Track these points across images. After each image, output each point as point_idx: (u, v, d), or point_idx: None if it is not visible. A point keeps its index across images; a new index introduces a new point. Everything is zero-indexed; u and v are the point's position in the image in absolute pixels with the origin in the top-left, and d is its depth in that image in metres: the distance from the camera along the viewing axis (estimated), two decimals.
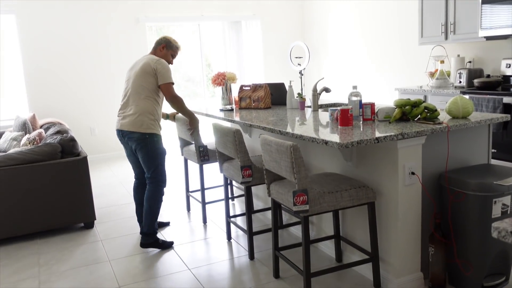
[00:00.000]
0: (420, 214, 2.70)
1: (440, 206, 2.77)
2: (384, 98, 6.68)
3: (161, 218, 4.30)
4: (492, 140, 4.32)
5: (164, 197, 4.99)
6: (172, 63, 3.73)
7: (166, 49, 3.69)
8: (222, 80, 4.37)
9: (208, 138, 4.45)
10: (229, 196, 4.65)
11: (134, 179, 3.83)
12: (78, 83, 7.01)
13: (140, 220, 3.83)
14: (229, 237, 3.73)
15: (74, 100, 7.02)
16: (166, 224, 4.15)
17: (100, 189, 5.49)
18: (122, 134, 3.56)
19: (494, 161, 4.32)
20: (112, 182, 5.77)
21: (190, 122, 3.74)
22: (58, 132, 4.51)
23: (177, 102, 3.54)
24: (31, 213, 3.88)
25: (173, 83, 3.51)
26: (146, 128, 3.46)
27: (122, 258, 3.48)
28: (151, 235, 3.60)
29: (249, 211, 3.28)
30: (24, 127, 5.18)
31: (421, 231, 2.73)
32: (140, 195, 3.79)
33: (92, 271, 3.30)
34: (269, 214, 4.19)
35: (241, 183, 3.20)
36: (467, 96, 4.53)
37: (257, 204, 4.40)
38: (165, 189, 3.75)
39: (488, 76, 4.84)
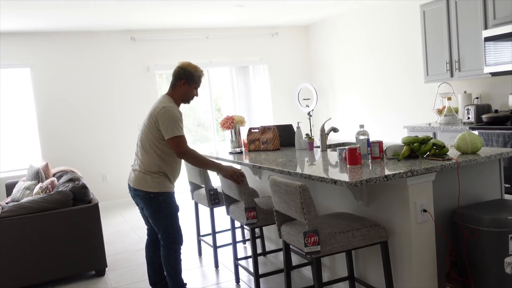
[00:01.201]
0: (435, 252, 2.64)
1: (455, 244, 2.71)
2: (393, 137, 6.68)
3: None
4: (505, 175, 4.26)
5: None
6: (197, 95, 3.29)
7: (188, 84, 3.19)
8: (231, 124, 4.43)
9: (217, 181, 4.46)
10: (241, 239, 4.61)
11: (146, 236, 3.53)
12: (90, 131, 7.14)
13: (151, 283, 3.44)
14: (237, 280, 3.67)
15: (86, 148, 7.12)
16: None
17: (111, 235, 5.47)
18: (130, 189, 3.32)
19: (507, 196, 4.25)
20: (123, 228, 5.76)
21: (222, 174, 3.20)
22: (70, 180, 4.55)
23: (187, 158, 3.10)
24: (42, 262, 3.86)
25: (180, 135, 3.04)
26: (149, 187, 3.13)
27: None
28: None
29: (255, 253, 3.24)
30: (37, 176, 5.24)
31: (437, 270, 2.67)
32: (151, 254, 3.42)
33: None
34: (281, 256, 4.13)
35: (246, 224, 3.19)
36: (476, 132, 4.52)
37: (269, 247, 4.34)
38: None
39: (496, 111, 4.84)
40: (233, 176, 3.13)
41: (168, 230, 3.20)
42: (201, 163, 3.16)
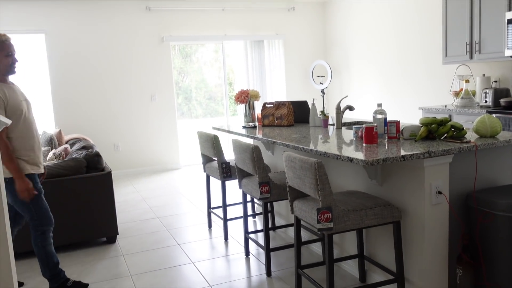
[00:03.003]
0: (447, 234, 2.64)
1: (468, 227, 2.70)
2: (407, 117, 6.61)
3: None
4: None
5: (184, 214, 5.01)
6: (16, 61, 2.96)
7: None
8: (245, 98, 4.40)
9: (230, 154, 4.46)
10: (251, 213, 4.65)
11: None
12: (103, 100, 7.15)
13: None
14: (247, 253, 3.71)
15: (98, 117, 7.15)
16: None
17: (122, 204, 5.54)
18: None
19: None
20: (134, 198, 5.82)
21: (17, 184, 2.92)
22: (83, 148, 4.58)
23: None
24: (55, 227, 3.92)
25: None
26: (7, 173, 2.93)
27: (144, 274, 3.49)
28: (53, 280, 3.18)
29: (267, 227, 3.26)
30: (51, 143, 5.28)
31: (449, 252, 2.67)
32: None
33: (113, 285, 3.31)
34: (291, 231, 4.16)
35: (259, 199, 3.20)
36: (493, 116, 4.45)
37: (278, 222, 4.37)
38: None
39: None
40: (26, 192, 2.96)
41: (32, 212, 3.07)
42: (6, 159, 2.87)
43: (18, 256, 3.97)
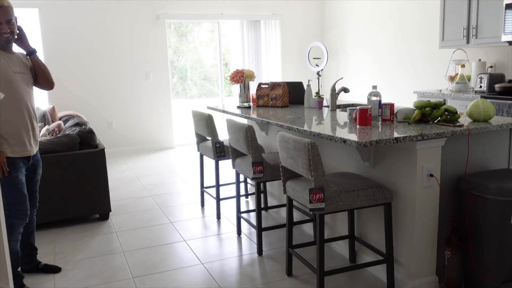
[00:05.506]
0: (437, 216, 2.67)
1: (458, 210, 2.73)
2: (402, 101, 6.62)
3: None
4: None
5: (177, 193, 5.03)
6: (7, 35, 2.87)
7: None
8: (241, 78, 4.38)
9: (224, 134, 4.46)
10: (244, 193, 4.67)
11: None
12: (97, 78, 7.09)
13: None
14: (239, 232, 3.74)
15: (92, 94, 7.10)
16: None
17: (115, 182, 5.54)
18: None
19: None
20: (127, 176, 5.82)
21: None
22: (77, 124, 4.56)
23: None
24: (48, 203, 3.93)
25: None
26: None
27: (136, 250, 3.51)
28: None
29: (259, 207, 3.28)
30: (44, 119, 5.25)
31: (438, 234, 2.70)
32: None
33: (106, 261, 3.34)
34: (283, 212, 4.19)
35: (252, 178, 3.21)
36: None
37: (271, 202, 4.39)
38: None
39: (510, 81, 4.77)
40: None
41: (3, 198, 2.69)
42: None
43: None
